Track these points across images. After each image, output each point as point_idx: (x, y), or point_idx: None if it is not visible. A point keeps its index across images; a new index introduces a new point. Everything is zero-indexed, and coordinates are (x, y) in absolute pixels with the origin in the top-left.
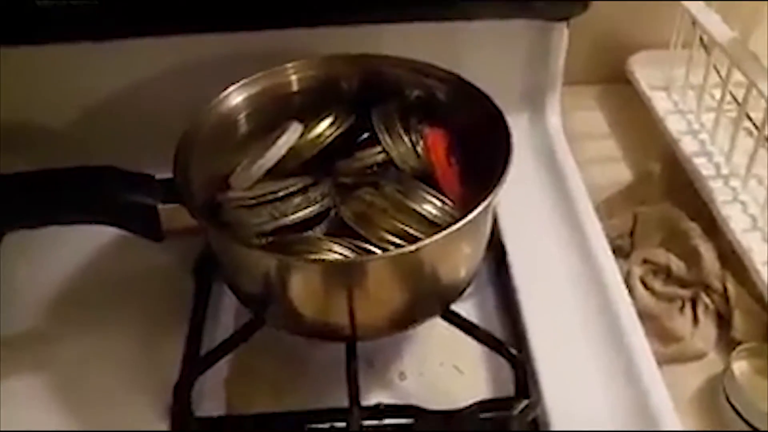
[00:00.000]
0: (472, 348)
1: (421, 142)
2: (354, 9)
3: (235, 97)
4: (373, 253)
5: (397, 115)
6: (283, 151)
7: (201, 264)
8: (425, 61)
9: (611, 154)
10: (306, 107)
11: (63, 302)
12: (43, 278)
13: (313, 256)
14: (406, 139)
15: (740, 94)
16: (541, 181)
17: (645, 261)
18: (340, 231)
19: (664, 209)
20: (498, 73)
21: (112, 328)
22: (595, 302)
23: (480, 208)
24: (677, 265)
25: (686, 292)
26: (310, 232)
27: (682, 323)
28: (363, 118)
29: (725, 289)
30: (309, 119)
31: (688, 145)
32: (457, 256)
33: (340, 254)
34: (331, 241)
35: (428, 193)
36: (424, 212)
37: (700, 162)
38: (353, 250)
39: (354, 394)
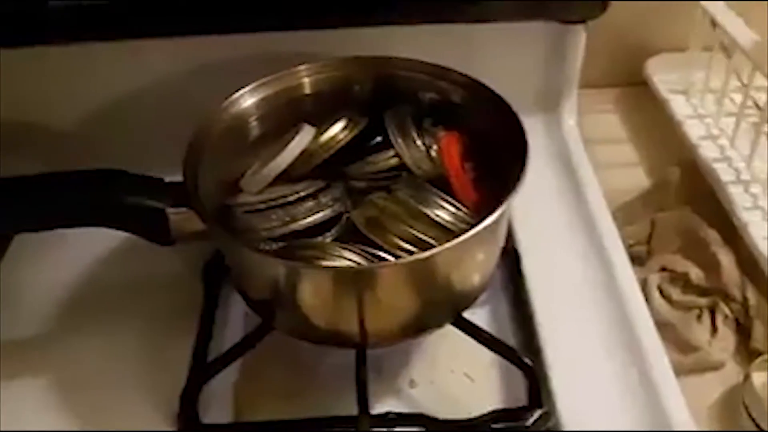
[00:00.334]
0: (483, 355)
1: (434, 146)
2: (368, 10)
3: (247, 99)
4: (385, 259)
5: (410, 118)
6: (294, 155)
7: (210, 268)
8: (439, 64)
9: (628, 158)
10: (318, 110)
11: (71, 306)
12: (50, 281)
13: (324, 263)
14: (419, 142)
15: (761, 98)
16: (557, 186)
17: (663, 269)
18: (352, 236)
19: (682, 216)
20: (513, 76)
21: (119, 332)
22: (611, 310)
23: (495, 215)
24: (696, 273)
25: (705, 301)
26: (320, 238)
27: (700, 332)
28: (376, 122)
29: (745, 298)
30: (321, 122)
31: (707, 151)
32: (471, 263)
33: (351, 261)
34: (342, 247)
35: (442, 198)
36: (437, 218)
37: (719, 168)
38: (364, 257)
39: (363, 402)
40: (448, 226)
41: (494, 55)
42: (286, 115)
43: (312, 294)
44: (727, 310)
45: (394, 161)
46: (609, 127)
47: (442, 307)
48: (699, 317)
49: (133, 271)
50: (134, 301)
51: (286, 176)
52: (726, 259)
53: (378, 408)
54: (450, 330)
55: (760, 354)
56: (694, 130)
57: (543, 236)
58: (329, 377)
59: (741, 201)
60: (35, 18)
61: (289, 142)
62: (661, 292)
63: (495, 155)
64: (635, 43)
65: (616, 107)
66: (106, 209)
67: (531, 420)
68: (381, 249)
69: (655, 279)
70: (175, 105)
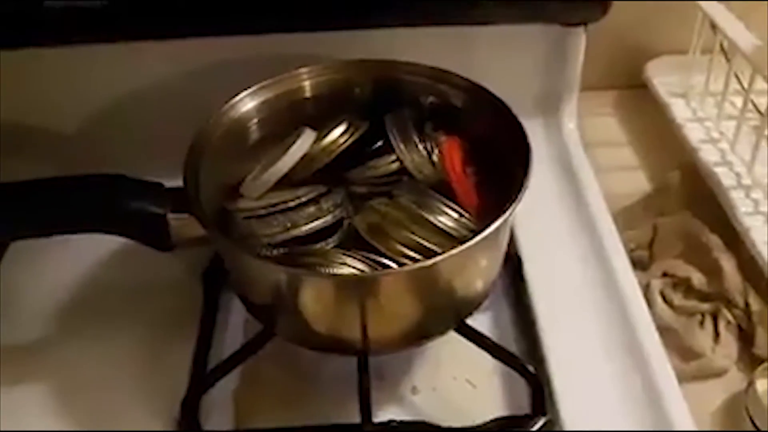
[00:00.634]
0: (485, 362)
1: (436, 151)
2: (367, 13)
3: (247, 102)
4: (388, 266)
5: (411, 122)
6: (295, 159)
7: (209, 274)
8: (441, 68)
9: (628, 162)
10: (319, 113)
11: (69, 311)
12: (49, 287)
13: (326, 270)
14: (420, 147)
15: (762, 102)
16: (558, 190)
17: (665, 274)
18: (353, 242)
19: (684, 221)
20: (514, 78)
21: (119, 337)
22: (613, 316)
23: (499, 222)
24: (698, 279)
25: (707, 307)
26: (322, 244)
27: (702, 339)
28: (376, 126)
29: (747, 304)
30: (322, 126)
31: (707, 155)
32: (474, 269)
33: (354, 267)
34: (345, 254)
35: (444, 204)
36: (440, 224)
37: (720, 172)
38: (367, 264)
39: (366, 410)
40: (451, 232)
41: (494, 58)
42: (286, 118)
43: (314, 301)
44: (729, 316)
45: (395, 166)
46: (608, 129)
47: (445, 313)
48: (701, 323)
49: (132, 275)
50: (134, 306)
51: (286, 181)
52: (728, 265)
53: (380, 415)
54: (452, 336)
55: (763, 361)
56: (694, 133)
57: (544, 241)
58: (330, 384)
59: (742, 206)
60: (31, 19)
61: (289, 146)
62: (663, 297)
63: (496, 160)
64: (634, 46)
65: (615, 110)
66: (107, 215)
67: (535, 428)
68: (383, 255)
69: (657, 284)
70: (174, 108)
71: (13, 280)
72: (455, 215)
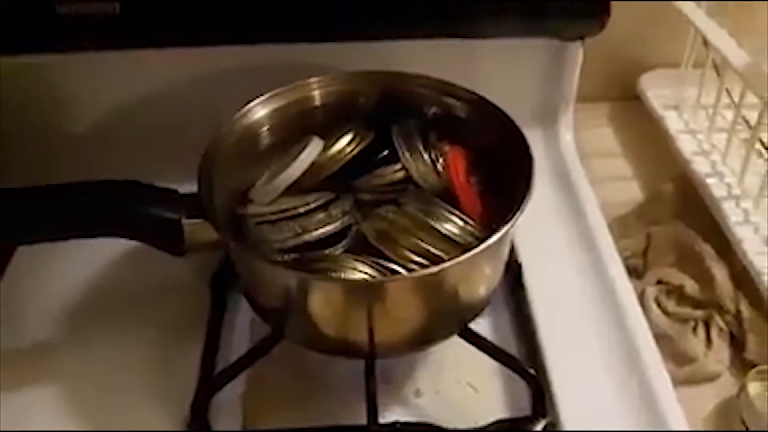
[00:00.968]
0: (486, 365)
1: (441, 160)
2: (374, 26)
3: (259, 110)
4: (396, 272)
5: (417, 132)
6: (304, 167)
7: (218, 278)
8: (446, 80)
9: (622, 172)
10: (327, 122)
11: (78, 314)
12: (58, 289)
13: (337, 274)
14: (426, 156)
15: (751, 116)
16: (556, 199)
17: (659, 281)
18: (362, 248)
19: (677, 230)
20: (513, 90)
21: (128, 339)
22: (610, 321)
23: (504, 230)
24: (691, 286)
25: (700, 313)
26: (331, 249)
27: (695, 344)
28: (382, 135)
29: (738, 310)
30: (329, 134)
31: (700, 166)
32: (478, 276)
33: (364, 272)
34: (354, 259)
35: (449, 212)
36: (445, 231)
37: (712, 182)
38: (376, 269)
39: (373, 413)
40: (456, 239)
41: (495, 71)
42: (295, 126)
43: (324, 305)
44: (721, 323)
45: (400, 174)
46: (602, 140)
47: (450, 318)
48: (694, 329)
49: (140, 279)
50: (142, 309)
51: (295, 188)
52: (720, 273)
53: (384, 417)
54: (454, 341)
55: (754, 365)
56: (686, 145)
57: (543, 249)
58: (336, 387)
59: (733, 215)
60: (43, 25)
61: (298, 154)
62: (657, 304)
63: (498, 169)
64: (629, 59)
65: (610, 121)
66: (123, 220)
67: (536, 429)
68: (391, 261)
69: (652, 291)
70: (186, 115)
71: (22, 283)
72: (460, 223)
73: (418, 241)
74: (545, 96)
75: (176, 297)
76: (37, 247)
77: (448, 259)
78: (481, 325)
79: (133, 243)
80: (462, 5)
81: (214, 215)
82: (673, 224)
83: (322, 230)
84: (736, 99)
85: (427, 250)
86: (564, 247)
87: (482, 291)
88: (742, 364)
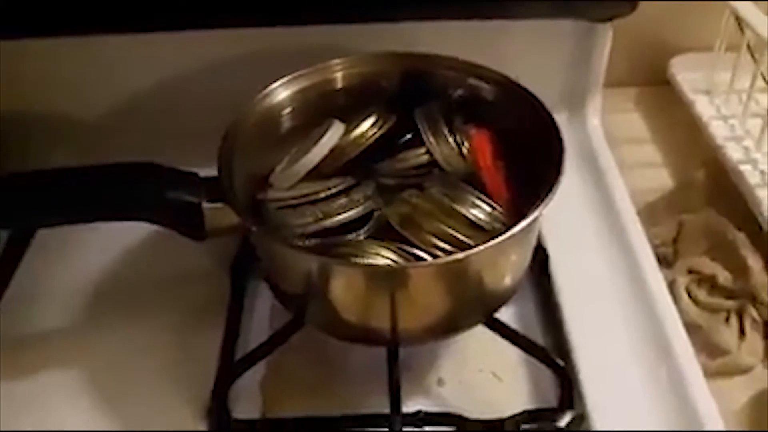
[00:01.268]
0: (511, 355)
1: (466, 143)
2: (399, 7)
3: (280, 92)
4: (421, 257)
5: (441, 115)
6: (325, 151)
7: (238, 263)
8: (472, 61)
9: (651, 159)
10: (349, 105)
11: (98, 299)
12: (78, 274)
13: (361, 260)
14: (450, 140)
15: None
16: (583, 185)
17: (690, 271)
18: (384, 233)
19: (709, 218)
20: (541, 73)
21: (147, 325)
22: (639, 311)
23: (533, 217)
24: (724, 276)
25: (732, 304)
26: (353, 235)
27: (728, 336)
28: (405, 118)
29: None
30: (351, 117)
31: (732, 152)
32: (505, 264)
33: (387, 258)
34: (378, 245)
35: (476, 196)
36: (472, 216)
37: (745, 169)
38: (400, 254)
39: (396, 402)
40: (483, 224)
41: (521, 53)
42: (317, 109)
43: (346, 291)
44: (755, 314)
45: (424, 158)
46: (630, 125)
47: (475, 307)
48: (726, 320)
49: (159, 264)
50: (162, 295)
51: (315, 172)
52: (754, 262)
53: (406, 405)
54: (477, 329)
55: None
56: (719, 131)
57: (570, 236)
58: (357, 374)
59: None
60: (61, 8)
61: (319, 138)
62: (688, 294)
63: (526, 153)
64: (658, 42)
65: (638, 106)
66: (142, 203)
67: (564, 421)
68: (415, 246)
69: (682, 281)
70: (205, 98)
71: (41, 267)
72: (487, 208)
73: (443, 227)
74: (573, 79)
75: (196, 283)
76: (56, 232)
77: (474, 246)
78: (505, 315)
79: (153, 229)
80: None
81: (234, 199)
82: (705, 212)
83: (344, 215)
84: None
85: (453, 236)
86: (592, 235)
87: (508, 279)
88: None
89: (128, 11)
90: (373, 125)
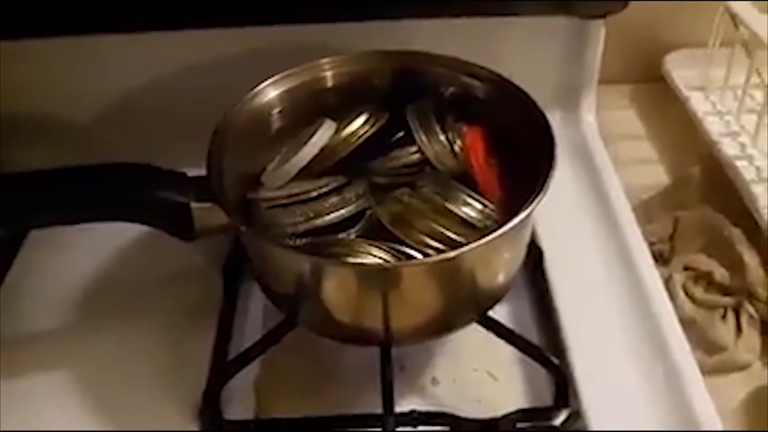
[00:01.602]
0: (506, 353)
1: (458, 141)
2: (390, 4)
3: (269, 92)
4: (412, 256)
5: (433, 113)
6: (316, 150)
7: (230, 263)
8: (463, 59)
9: (646, 155)
10: (340, 104)
11: (89, 300)
12: (69, 275)
13: (352, 260)
14: (442, 137)
15: None
16: (577, 182)
17: (686, 268)
18: (376, 232)
19: (705, 214)
20: (534, 70)
21: (139, 326)
22: (635, 308)
23: (524, 214)
24: (720, 273)
25: (729, 300)
26: (344, 234)
27: (725, 332)
28: (397, 117)
29: None
30: (342, 116)
31: (728, 148)
32: (498, 262)
33: (378, 257)
34: (369, 244)
35: (468, 194)
36: (463, 215)
37: (741, 165)
38: (391, 253)
39: (388, 401)
40: (475, 222)
41: (514, 50)
42: (307, 108)
43: (338, 291)
44: (752, 310)
45: (416, 157)
46: (625, 122)
47: (469, 305)
48: (723, 317)
49: (151, 265)
50: (153, 296)
51: (307, 171)
52: (750, 259)
53: (400, 405)
54: (471, 328)
55: None
56: (714, 127)
57: (564, 233)
58: (350, 374)
59: (763, 199)
60: (53, 8)
61: (310, 137)
62: (684, 291)
63: (518, 151)
64: (652, 39)
65: (632, 103)
66: (131, 204)
67: (559, 420)
68: (407, 246)
69: (679, 278)
70: (194, 98)
71: (33, 268)
72: (479, 206)
73: (435, 225)
74: (567, 76)
75: (188, 283)
76: (47, 233)
77: (466, 244)
78: (500, 313)
79: (145, 229)
80: None
81: (224, 198)
82: (701, 208)
83: (335, 214)
84: (767, 79)
85: (444, 235)
86: (587, 232)
87: (502, 277)
88: None
89: (119, 11)
90: (364, 124)
